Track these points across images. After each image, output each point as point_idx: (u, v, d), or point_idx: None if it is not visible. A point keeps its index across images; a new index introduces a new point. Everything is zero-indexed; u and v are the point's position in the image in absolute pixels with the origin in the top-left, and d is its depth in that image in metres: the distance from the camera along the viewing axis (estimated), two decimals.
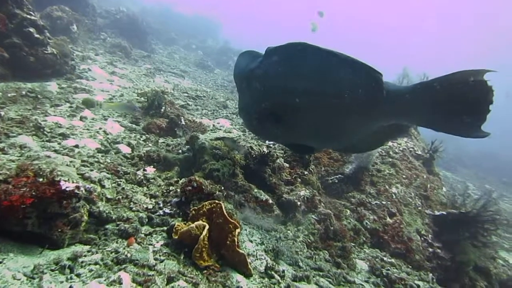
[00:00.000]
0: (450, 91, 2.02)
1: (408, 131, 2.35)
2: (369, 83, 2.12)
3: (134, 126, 4.17)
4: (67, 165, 2.13)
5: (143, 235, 2.24)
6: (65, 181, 1.92)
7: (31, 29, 4.74)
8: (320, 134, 2.46)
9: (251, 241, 2.61)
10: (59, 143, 3.13)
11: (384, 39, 58.57)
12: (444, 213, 4.24)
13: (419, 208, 4.35)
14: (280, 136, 2.71)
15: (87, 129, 3.66)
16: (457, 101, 2.02)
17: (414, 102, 2.11)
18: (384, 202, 4.05)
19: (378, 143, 2.67)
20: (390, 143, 4.97)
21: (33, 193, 1.79)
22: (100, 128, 3.77)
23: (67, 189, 1.91)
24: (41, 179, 1.86)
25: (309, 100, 2.21)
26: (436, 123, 2.14)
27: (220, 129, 4.96)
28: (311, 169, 3.73)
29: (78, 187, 1.96)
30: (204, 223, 2.14)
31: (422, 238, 3.94)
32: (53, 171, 1.92)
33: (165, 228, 2.36)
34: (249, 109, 2.69)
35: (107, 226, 2.21)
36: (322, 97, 2.19)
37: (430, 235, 4.05)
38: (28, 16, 4.78)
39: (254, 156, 3.42)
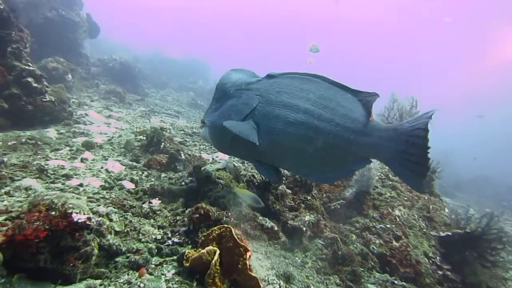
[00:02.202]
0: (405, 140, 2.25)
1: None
2: (361, 115, 2.28)
3: (134, 164, 4.20)
4: (77, 198, 2.15)
5: (154, 266, 2.22)
6: (77, 213, 1.93)
7: (30, 79, 4.87)
8: (300, 157, 2.48)
9: (262, 266, 2.58)
10: (63, 183, 3.14)
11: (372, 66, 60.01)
12: (450, 233, 4.20)
13: (424, 230, 4.33)
14: (255, 153, 2.62)
15: (89, 169, 3.69)
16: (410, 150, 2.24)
17: (384, 141, 2.31)
18: (388, 226, 4.03)
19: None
20: None
21: (47, 226, 1.80)
22: (101, 167, 3.80)
23: (79, 221, 1.92)
24: (53, 212, 1.87)
25: (304, 120, 2.30)
26: (395, 169, 2.36)
27: (219, 162, 5.00)
28: (313, 194, 3.75)
29: (89, 219, 1.98)
30: (215, 248, 2.13)
31: (431, 261, 3.88)
32: (64, 204, 1.93)
33: (175, 257, 2.34)
34: (230, 118, 2.57)
35: (117, 259, 2.20)
36: (318, 119, 2.29)
37: (438, 257, 3.99)
38: (27, 67, 4.93)
39: (256, 184, 3.44)
